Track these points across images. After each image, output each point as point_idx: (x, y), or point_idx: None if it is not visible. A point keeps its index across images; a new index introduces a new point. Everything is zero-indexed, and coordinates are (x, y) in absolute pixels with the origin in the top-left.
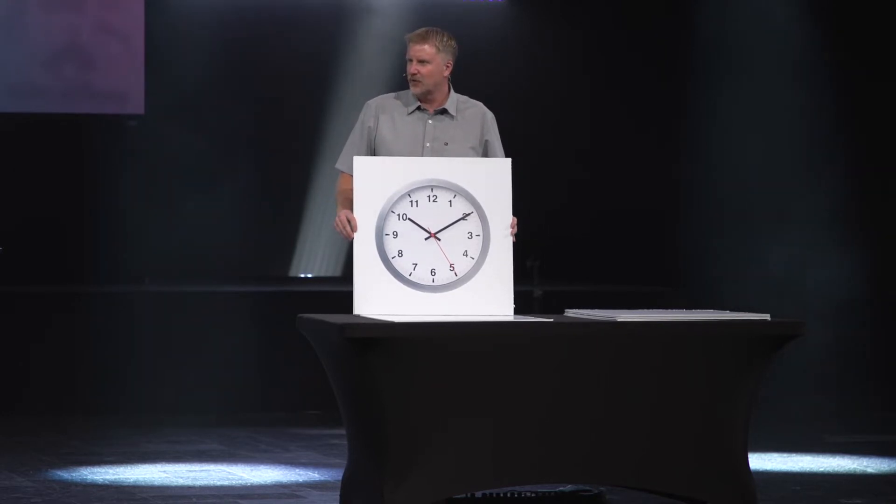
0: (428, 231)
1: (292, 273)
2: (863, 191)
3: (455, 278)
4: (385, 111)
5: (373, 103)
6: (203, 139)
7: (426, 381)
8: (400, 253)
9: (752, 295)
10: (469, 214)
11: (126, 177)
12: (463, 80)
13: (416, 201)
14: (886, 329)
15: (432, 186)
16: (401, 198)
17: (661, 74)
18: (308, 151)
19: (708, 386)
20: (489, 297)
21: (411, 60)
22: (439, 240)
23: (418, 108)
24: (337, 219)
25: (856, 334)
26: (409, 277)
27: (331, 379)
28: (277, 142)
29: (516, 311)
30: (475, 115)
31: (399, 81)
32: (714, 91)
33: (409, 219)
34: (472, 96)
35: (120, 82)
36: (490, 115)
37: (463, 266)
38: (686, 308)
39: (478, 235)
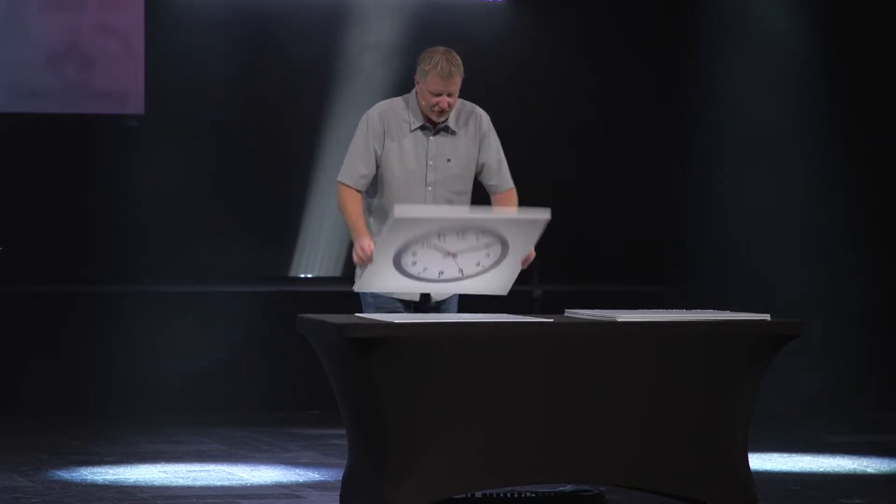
0: (449, 252)
1: (292, 273)
2: (865, 190)
3: (461, 277)
4: (390, 132)
5: (375, 118)
6: (203, 139)
7: (426, 381)
8: (414, 262)
9: (753, 295)
10: (492, 245)
11: (126, 177)
12: (462, 80)
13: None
14: (886, 329)
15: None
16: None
17: (662, 74)
18: (308, 151)
19: (708, 386)
20: (488, 279)
21: (440, 94)
22: (456, 257)
23: (421, 128)
24: (358, 248)
25: (856, 334)
26: (415, 274)
27: (331, 379)
28: (277, 141)
29: (517, 312)
30: (475, 127)
31: (398, 86)
32: (716, 89)
33: (433, 244)
34: (471, 96)
35: (120, 82)
36: (485, 118)
37: (471, 272)
38: (686, 308)
39: (495, 255)
